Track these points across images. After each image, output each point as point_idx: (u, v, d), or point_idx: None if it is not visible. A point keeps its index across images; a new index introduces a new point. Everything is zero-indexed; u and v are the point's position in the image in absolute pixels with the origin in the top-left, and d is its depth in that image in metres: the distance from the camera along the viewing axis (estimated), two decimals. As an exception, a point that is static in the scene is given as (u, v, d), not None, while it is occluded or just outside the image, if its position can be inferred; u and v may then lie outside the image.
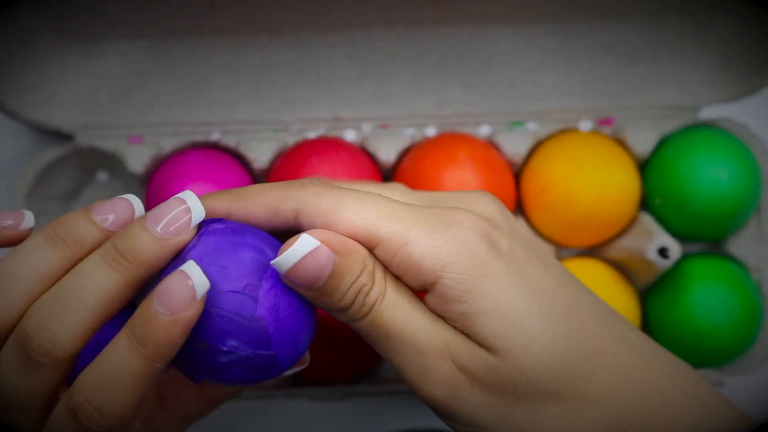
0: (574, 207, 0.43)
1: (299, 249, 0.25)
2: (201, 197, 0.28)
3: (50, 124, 0.45)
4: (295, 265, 0.25)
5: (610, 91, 0.47)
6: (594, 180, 0.42)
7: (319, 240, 0.25)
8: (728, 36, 0.45)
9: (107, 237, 0.26)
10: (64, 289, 0.25)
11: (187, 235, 0.26)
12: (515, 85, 0.47)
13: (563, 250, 0.46)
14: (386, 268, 0.27)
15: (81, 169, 0.47)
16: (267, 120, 0.46)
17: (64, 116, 0.45)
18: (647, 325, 0.45)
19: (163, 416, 0.30)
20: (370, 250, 0.27)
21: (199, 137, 0.45)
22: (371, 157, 0.45)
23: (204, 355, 0.26)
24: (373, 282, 0.26)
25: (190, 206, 0.26)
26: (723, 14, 0.45)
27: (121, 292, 0.25)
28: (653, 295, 0.45)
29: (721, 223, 0.43)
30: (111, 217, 0.27)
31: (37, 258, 0.26)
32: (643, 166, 0.45)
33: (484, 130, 0.46)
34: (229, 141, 0.45)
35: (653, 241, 0.42)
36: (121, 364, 0.24)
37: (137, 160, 0.44)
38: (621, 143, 0.45)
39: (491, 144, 0.45)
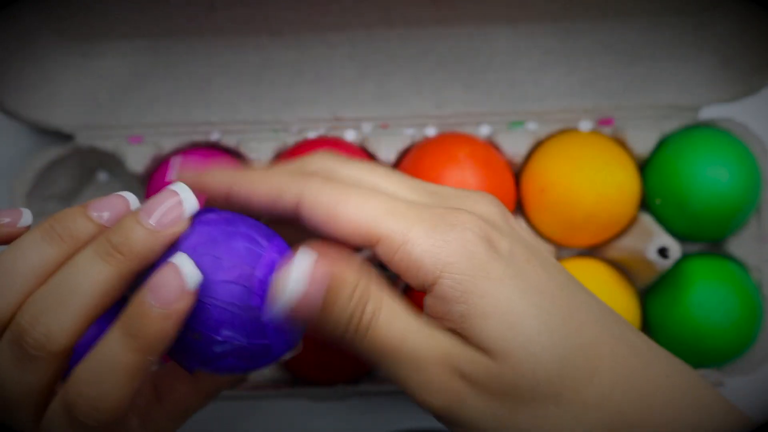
0: (574, 207, 0.43)
1: (291, 292, 0.25)
2: (201, 175, 0.28)
3: (50, 124, 0.45)
4: (291, 310, 0.25)
5: (610, 91, 0.47)
6: (594, 180, 0.42)
7: (307, 276, 0.25)
8: (728, 36, 0.45)
9: (103, 232, 0.26)
10: (58, 283, 0.25)
11: (180, 227, 0.26)
12: (515, 85, 0.47)
13: (563, 250, 0.46)
14: (387, 264, 0.27)
15: (81, 169, 0.47)
16: (267, 120, 0.46)
17: (64, 116, 0.45)
18: (647, 325, 0.45)
19: (160, 410, 0.30)
20: (371, 247, 0.27)
21: (199, 137, 0.45)
22: (371, 157, 0.45)
23: (198, 345, 0.26)
24: (368, 298, 0.26)
25: (182, 198, 0.26)
26: (723, 14, 0.45)
27: (115, 285, 0.25)
28: (653, 295, 0.45)
29: (721, 223, 0.43)
30: (106, 214, 0.27)
31: (33, 253, 0.26)
32: (643, 166, 0.45)
33: (484, 130, 0.46)
34: (229, 141, 0.45)
35: (653, 241, 0.42)
36: (114, 358, 0.24)
37: (137, 160, 0.44)
38: (621, 143, 0.45)
39: (491, 144, 0.45)
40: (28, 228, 0.28)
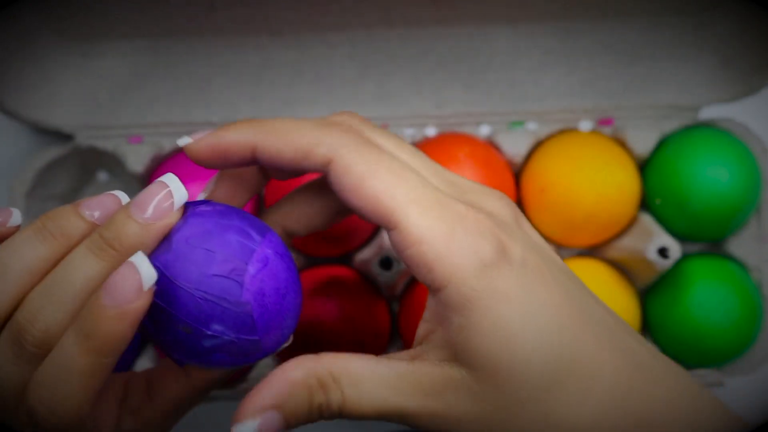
0: (574, 207, 0.43)
1: None
2: (221, 134, 0.27)
3: (50, 124, 0.45)
4: None
5: (610, 91, 0.47)
6: (594, 180, 0.42)
7: (257, 418, 0.25)
8: (728, 36, 0.45)
9: (95, 229, 0.26)
10: (54, 281, 0.25)
11: (171, 219, 0.26)
12: (515, 85, 0.47)
13: (563, 250, 0.46)
14: (395, 251, 0.27)
15: (81, 169, 0.47)
16: (267, 120, 0.46)
17: (64, 116, 0.45)
18: (647, 325, 0.45)
19: (153, 407, 0.30)
20: (386, 228, 0.26)
21: (199, 137, 0.45)
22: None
23: (188, 338, 0.26)
24: (327, 390, 0.26)
25: (172, 189, 0.26)
26: (723, 14, 0.45)
27: None
28: (653, 295, 0.45)
29: (721, 223, 0.43)
30: (98, 213, 0.27)
31: (26, 251, 0.26)
32: (643, 166, 0.45)
33: (484, 130, 0.46)
34: (229, 141, 0.45)
35: (653, 241, 0.42)
36: (69, 361, 0.24)
37: (137, 160, 0.44)
38: (621, 143, 0.45)
39: (491, 144, 0.45)
40: (17, 228, 0.28)
